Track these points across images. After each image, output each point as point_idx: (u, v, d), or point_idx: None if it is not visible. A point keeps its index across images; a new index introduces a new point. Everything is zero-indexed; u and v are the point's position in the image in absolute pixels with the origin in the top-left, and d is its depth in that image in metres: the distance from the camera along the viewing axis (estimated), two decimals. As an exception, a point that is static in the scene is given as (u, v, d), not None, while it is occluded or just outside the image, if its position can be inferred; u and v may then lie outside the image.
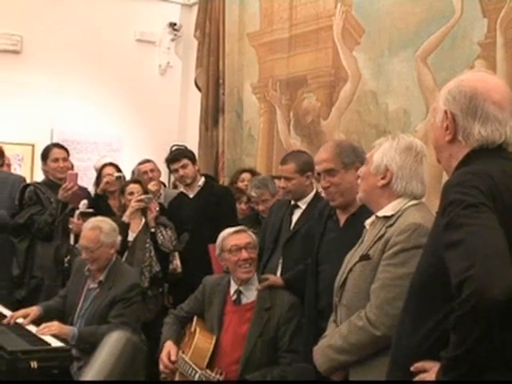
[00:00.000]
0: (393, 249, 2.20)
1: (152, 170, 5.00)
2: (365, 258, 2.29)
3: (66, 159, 4.59)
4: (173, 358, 3.15)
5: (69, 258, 4.29)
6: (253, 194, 4.34)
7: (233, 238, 3.26)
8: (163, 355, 3.18)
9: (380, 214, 2.33)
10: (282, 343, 3.08)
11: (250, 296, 3.20)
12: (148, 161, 5.10)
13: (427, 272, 1.72)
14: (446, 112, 1.76)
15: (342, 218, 2.88)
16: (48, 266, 4.35)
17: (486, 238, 1.49)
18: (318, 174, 2.90)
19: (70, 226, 4.31)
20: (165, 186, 5.62)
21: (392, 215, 2.29)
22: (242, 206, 4.74)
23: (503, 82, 1.84)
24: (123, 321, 3.46)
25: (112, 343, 1.29)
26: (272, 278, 3.34)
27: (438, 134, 1.80)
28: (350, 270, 2.34)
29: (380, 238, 2.27)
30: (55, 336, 3.29)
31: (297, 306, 3.13)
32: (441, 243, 1.59)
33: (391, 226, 2.27)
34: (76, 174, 4.44)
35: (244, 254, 3.19)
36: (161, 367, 3.19)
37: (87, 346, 3.36)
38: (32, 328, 3.44)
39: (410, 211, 2.28)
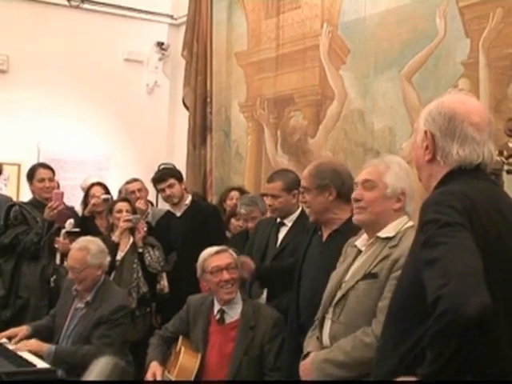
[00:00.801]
0: None
1: (139, 190, 4.98)
2: (371, 276, 2.31)
3: (51, 179, 4.59)
4: (158, 378, 3.13)
5: (55, 277, 4.27)
6: (242, 211, 4.33)
7: (213, 259, 3.23)
8: (148, 376, 3.16)
9: (382, 235, 2.38)
10: (268, 362, 3.07)
11: (234, 315, 3.18)
12: (135, 180, 5.08)
13: (408, 289, 1.74)
14: (425, 132, 1.79)
15: (326, 233, 2.93)
16: (34, 285, 4.32)
17: (460, 257, 1.51)
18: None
19: (56, 246, 4.30)
20: (152, 204, 5.61)
21: (394, 236, 2.35)
22: (239, 223, 4.70)
23: (482, 104, 1.88)
24: (106, 342, 3.42)
25: (100, 367, 1.30)
26: (244, 259, 3.42)
27: (418, 153, 1.83)
28: (352, 287, 2.34)
29: (385, 258, 2.31)
30: (39, 356, 3.26)
31: (280, 322, 3.12)
32: (419, 261, 1.62)
33: (395, 246, 2.32)
34: (62, 193, 4.44)
35: (225, 276, 3.17)
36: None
37: (66, 367, 3.33)
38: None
39: (411, 232, 2.31)
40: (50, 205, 4.30)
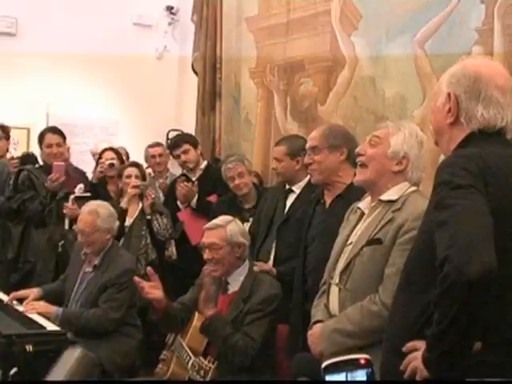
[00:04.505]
0: (409, 234, 2.21)
1: (160, 155, 5.07)
2: (376, 242, 2.29)
3: (59, 145, 4.53)
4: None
5: (63, 242, 4.29)
6: (229, 165, 4.18)
7: (204, 235, 3.17)
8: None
9: (385, 198, 2.35)
10: (242, 327, 3.01)
11: (236, 286, 3.14)
12: (158, 144, 5.15)
13: (421, 251, 1.75)
14: (449, 94, 1.77)
15: (328, 201, 2.95)
16: (41, 250, 4.34)
17: (469, 219, 1.52)
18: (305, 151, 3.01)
19: (65, 211, 4.29)
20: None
21: (396, 200, 2.32)
22: None
23: (504, 68, 1.86)
24: (112, 306, 3.47)
25: (69, 359, 1.31)
26: (267, 266, 3.37)
27: (439, 116, 1.81)
28: (357, 254, 2.32)
29: (388, 223, 2.28)
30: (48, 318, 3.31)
31: (272, 299, 3.04)
32: (431, 223, 1.63)
33: (398, 210, 2.29)
34: (63, 166, 4.40)
35: (206, 254, 3.10)
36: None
37: (73, 329, 3.38)
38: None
39: (415, 197, 2.33)
40: (50, 177, 4.30)
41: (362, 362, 1.25)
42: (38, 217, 4.33)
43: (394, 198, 2.33)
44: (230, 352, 2.93)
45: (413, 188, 2.37)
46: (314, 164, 2.93)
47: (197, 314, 3.19)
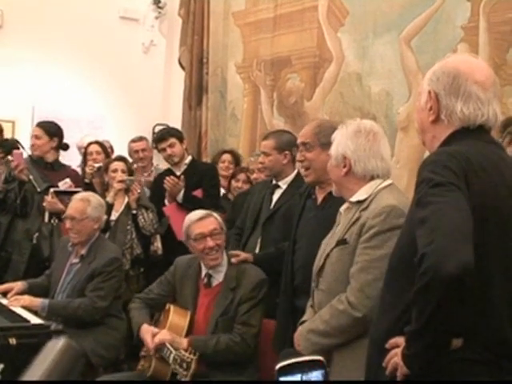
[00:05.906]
0: (369, 232, 2.24)
1: (144, 150, 5.01)
2: (342, 242, 2.32)
3: (38, 137, 4.51)
4: (166, 337, 2.99)
5: (37, 234, 4.28)
6: (251, 159, 4.31)
7: (197, 226, 3.13)
8: (155, 341, 2.97)
9: (353, 199, 2.37)
10: (239, 317, 3.05)
11: (220, 278, 3.14)
12: (141, 139, 5.07)
13: (404, 248, 1.76)
14: (429, 92, 1.78)
15: (320, 197, 2.92)
16: (18, 240, 4.34)
17: (448, 216, 1.52)
18: (297, 147, 2.97)
19: (44, 204, 4.28)
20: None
21: (365, 199, 2.34)
22: (238, 184, 4.73)
23: (486, 64, 1.87)
24: (99, 295, 3.47)
25: (53, 349, 1.29)
26: (243, 255, 3.35)
27: (422, 115, 1.83)
28: (327, 255, 2.36)
29: (355, 222, 2.30)
30: (32, 311, 3.30)
31: (261, 285, 3.08)
32: (413, 220, 1.64)
33: (365, 209, 2.31)
34: (21, 153, 4.42)
35: (209, 243, 3.08)
36: (150, 348, 3.00)
37: (60, 320, 3.37)
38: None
39: (383, 194, 2.33)
40: (11, 164, 4.34)
41: (316, 363, 1.24)
42: (13, 206, 4.34)
43: (362, 198, 2.35)
44: (225, 355, 2.98)
45: (384, 184, 2.37)
46: (305, 162, 2.89)
47: (172, 307, 3.17)
